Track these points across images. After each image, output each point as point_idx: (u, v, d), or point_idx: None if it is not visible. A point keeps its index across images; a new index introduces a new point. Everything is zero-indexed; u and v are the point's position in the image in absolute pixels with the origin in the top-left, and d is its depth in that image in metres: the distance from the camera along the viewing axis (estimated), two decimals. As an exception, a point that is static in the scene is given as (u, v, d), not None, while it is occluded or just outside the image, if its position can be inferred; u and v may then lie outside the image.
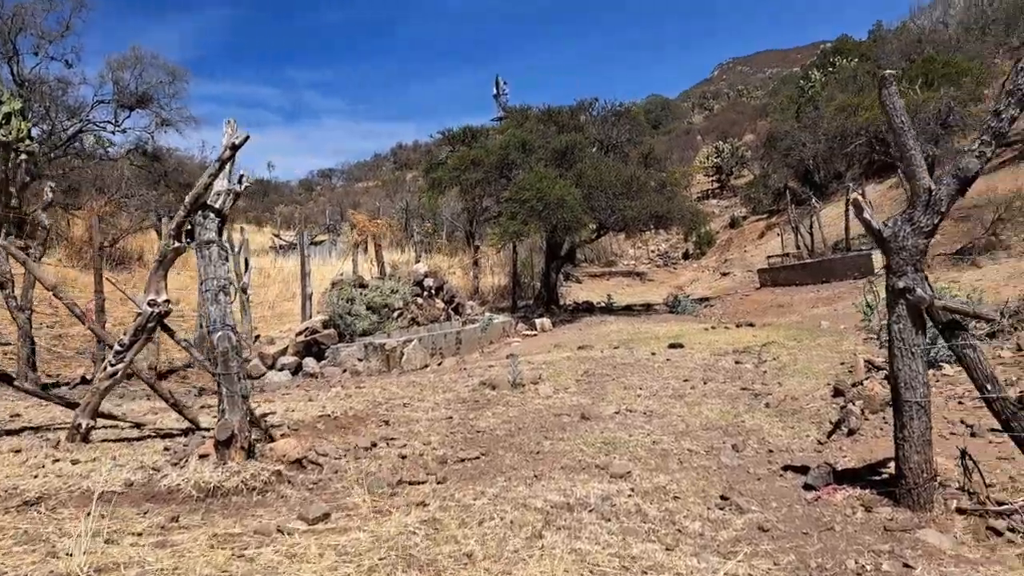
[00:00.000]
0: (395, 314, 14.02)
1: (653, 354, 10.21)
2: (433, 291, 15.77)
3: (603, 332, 15.08)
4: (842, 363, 8.38)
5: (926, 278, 3.86)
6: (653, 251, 44.34)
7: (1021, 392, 5.72)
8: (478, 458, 5.24)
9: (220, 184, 5.02)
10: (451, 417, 6.45)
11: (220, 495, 4.27)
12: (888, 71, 3.80)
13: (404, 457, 5.23)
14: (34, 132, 22.28)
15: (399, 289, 13.92)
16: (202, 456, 4.73)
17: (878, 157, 26.49)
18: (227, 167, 5.01)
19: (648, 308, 21.81)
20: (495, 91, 45.39)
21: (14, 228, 21.17)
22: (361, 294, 12.83)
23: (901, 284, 3.80)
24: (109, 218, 20.62)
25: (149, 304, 5.39)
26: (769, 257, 25.65)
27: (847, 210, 22.29)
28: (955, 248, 17.90)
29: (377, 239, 15.94)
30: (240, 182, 5.28)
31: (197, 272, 5.03)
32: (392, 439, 5.68)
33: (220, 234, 5.04)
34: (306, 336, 11.85)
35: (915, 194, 3.80)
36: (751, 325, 15.00)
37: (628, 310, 21.14)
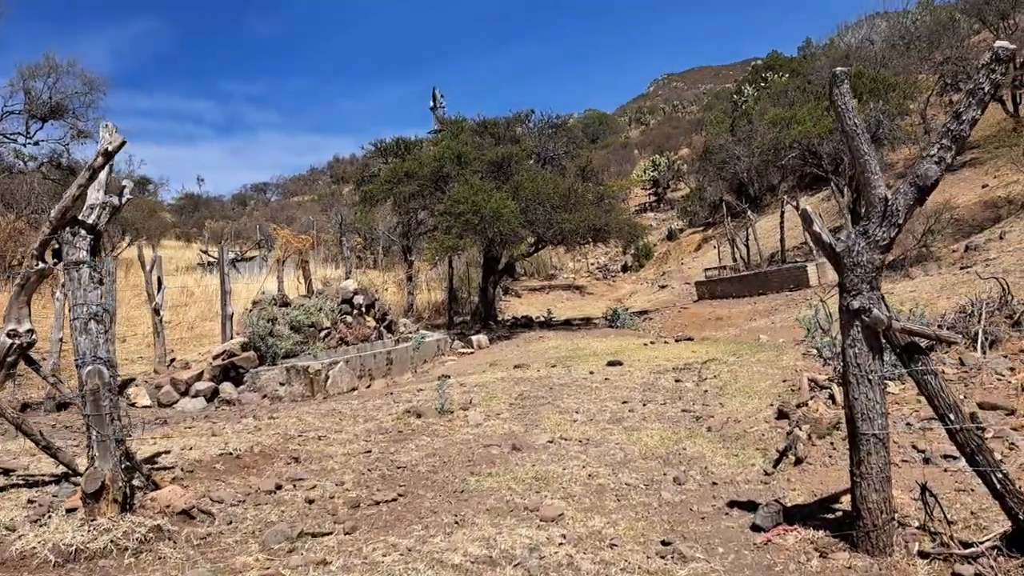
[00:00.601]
0: (322, 334, 13.35)
1: (591, 373, 9.79)
2: (364, 308, 15.13)
3: (541, 349, 14.65)
4: (784, 380, 8.07)
5: (882, 297, 3.49)
6: (592, 264, 44.28)
7: (972, 412, 5.44)
8: (395, 500, 4.69)
9: (94, 196, 4.40)
10: (370, 451, 5.89)
11: (84, 559, 3.64)
12: (839, 68, 3.42)
13: (311, 501, 4.66)
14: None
15: (325, 307, 13.26)
16: (69, 510, 4.09)
17: (810, 170, 26.80)
18: (101, 176, 4.39)
19: (588, 322, 21.49)
20: (432, 103, 44.76)
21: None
22: (284, 313, 12.13)
23: (856, 304, 3.41)
24: (18, 235, 19.44)
25: (9, 335, 4.71)
26: (707, 270, 25.66)
27: (782, 222, 22.42)
28: (887, 259, 18.03)
29: (305, 255, 15.23)
30: (121, 194, 4.66)
31: (67, 297, 4.38)
32: (300, 479, 5.10)
33: (94, 253, 4.41)
34: (223, 360, 11.11)
35: (870, 204, 3.42)
36: (690, 339, 14.76)
37: (567, 325, 20.78)
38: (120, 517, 3.95)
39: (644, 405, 7.47)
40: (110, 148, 4.20)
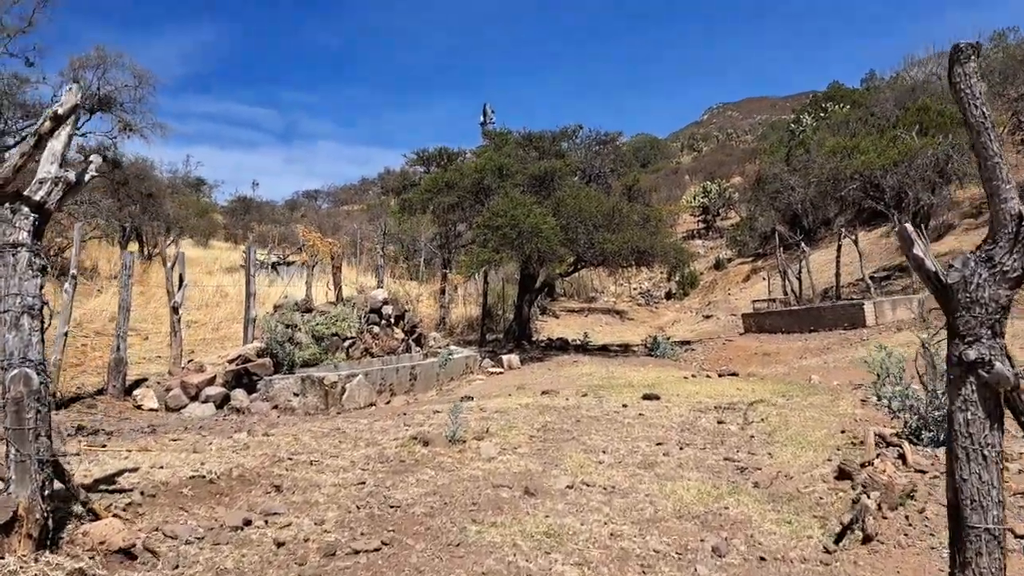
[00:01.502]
0: (346, 344, 12.71)
1: (625, 406, 8.94)
2: (392, 320, 14.48)
3: (574, 374, 13.83)
4: (842, 431, 7.16)
5: (1005, 348, 2.65)
6: (635, 289, 43.27)
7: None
8: (378, 550, 3.94)
9: (47, 169, 3.75)
10: (364, 483, 5.15)
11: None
12: (963, 42, 2.60)
13: (281, 544, 3.94)
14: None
15: (351, 316, 12.62)
16: (-20, 542, 3.42)
17: (870, 204, 25.62)
18: (55, 146, 3.75)
19: (626, 349, 20.60)
20: (482, 119, 44.47)
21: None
22: (305, 320, 11.52)
23: (972, 355, 2.58)
24: (55, 225, 19.24)
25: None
26: (755, 301, 24.58)
27: (838, 256, 21.30)
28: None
29: (336, 260, 14.65)
30: (84, 170, 4.01)
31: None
32: (275, 514, 4.38)
33: (39, 236, 3.76)
34: (237, 365, 10.51)
35: (997, 223, 2.59)
36: (734, 375, 13.80)
37: (604, 350, 19.91)
38: (35, 556, 3.26)
39: (681, 449, 6.62)
40: (60, 111, 3.57)
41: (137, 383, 10.90)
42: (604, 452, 6.41)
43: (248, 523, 4.20)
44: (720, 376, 13.36)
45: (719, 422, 7.96)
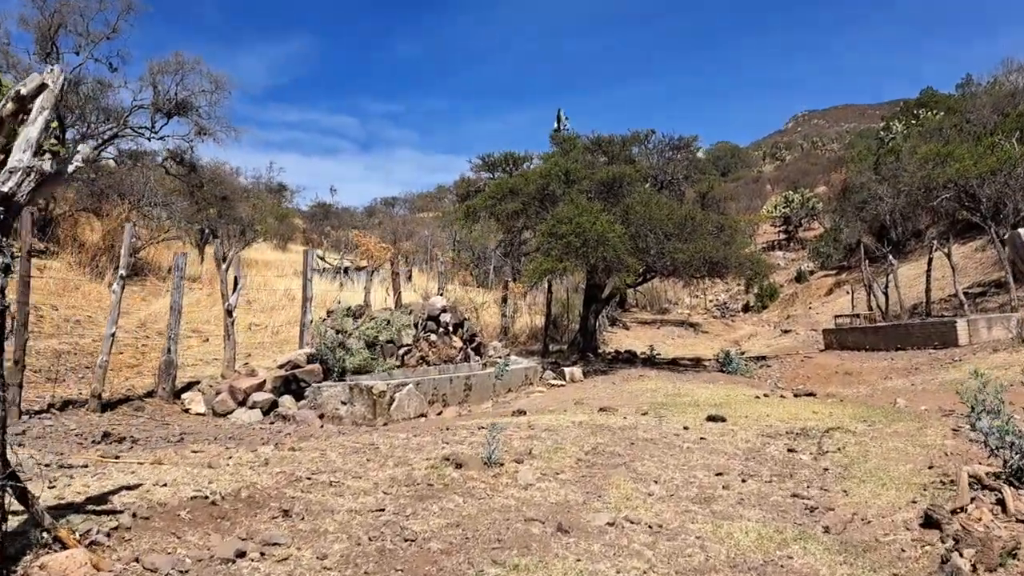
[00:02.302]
0: (401, 351, 12.37)
1: (685, 428, 8.26)
2: (451, 327, 14.09)
3: (637, 390, 13.15)
4: (930, 466, 6.34)
5: None
6: (711, 301, 42.07)
7: None
8: (377, 595, 3.46)
9: (17, 158, 3.38)
10: (383, 509, 4.68)
11: None
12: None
13: (270, 582, 3.49)
14: (69, 134, 21.57)
15: (399, 323, 12.28)
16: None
17: (964, 215, 24.05)
18: (30, 133, 3.38)
19: (696, 363, 19.73)
20: (556, 126, 43.95)
21: (37, 230, 20.33)
22: (357, 326, 11.21)
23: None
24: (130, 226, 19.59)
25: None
26: (837, 316, 23.32)
27: (929, 270, 19.98)
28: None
29: (394, 266, 14.36)
30: (68, 161, 3.65)
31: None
32: (275, 544, 3.94)
33: (5, 232, 3.40)
34: (286, 370, 10.26)
35: None
36: (812, 395, 12.90)
37: (673, 364, 19.09)
38: (-24, 593, 2.89)
39: (743, 481, 5.93)
40: (23, 91, 3.20)
41: (190, 385, 10.77)
42: (655, 482, 5.79)
43: (242, 555, 3.77)
44: (796, 396, 12.49)
45: (790, 450, 7.22)
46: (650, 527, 4.66)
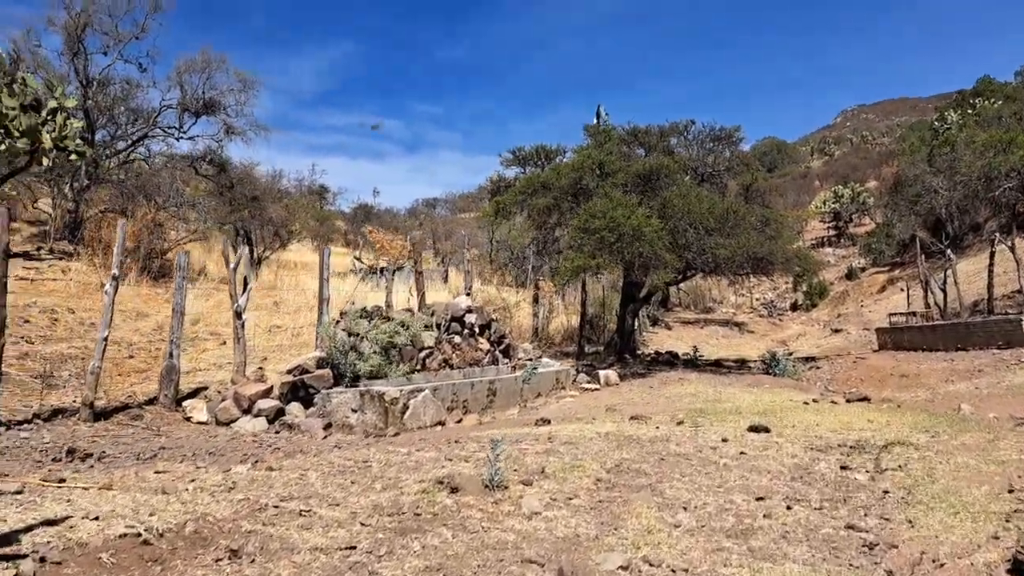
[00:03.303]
0: (422, 354, 11.67)
1: (724, 441, 7.39)
2: (477, 329, 13.35)
3: (675, 395, 12.28)
4: (1010, 489, 5.41)
5: None
6: (757, 299, 40.74)
7: None
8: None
9: None
10: (353, 547, 3.94)
11: None
12: None
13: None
14: (99, 135, 21.38)
15: (427, 324, 11.58)
16: None
17: (1029, 206, 22.61)
18: None
19: (741, 365, 18.71)
20: (596, 121, 42.90)
21: (68, 232, 20.17)
22: (370, 327, 10.53)
23: None
24: (156, 228, 19.30)
25: None
26: (892, 315, 22.02)
27: (991, 265, 18.66)
28: None
29: (418, 265, 13.68)
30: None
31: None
32: (208, 596, 3.23)
33: None
34: (295, 376, 9.62)
35: None
36: (866, 400, 11.87)
37: (716, 366, 18.11)
38: None
39: (789, 507, 5.07)
40: None
41: (197, 391, 10.23)
42: (684, 509, 4.96)
43: (162, 610, 3.07)
44: (848, 402, 11.48)
45: (843, 468, 6.31)
46: (672, 572, 3.85)
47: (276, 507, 4.45)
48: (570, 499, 5.02)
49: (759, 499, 5.25)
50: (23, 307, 12.81)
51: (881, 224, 39.66)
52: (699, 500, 5.17)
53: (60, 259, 18.11)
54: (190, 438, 7.38)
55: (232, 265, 10.48)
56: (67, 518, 3.96)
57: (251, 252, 27.85)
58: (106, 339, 8.34)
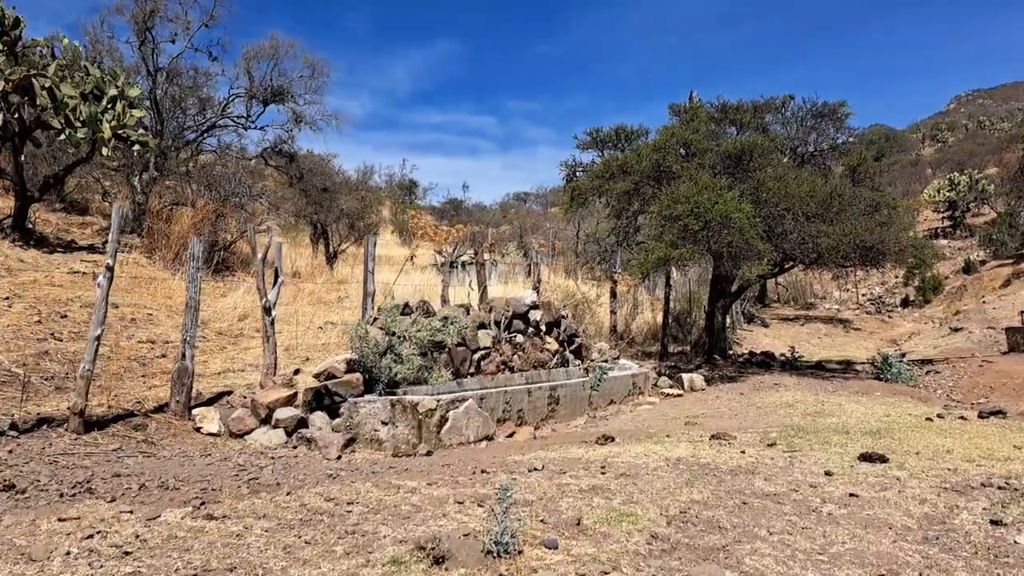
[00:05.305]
0: (476, 356, 10.38)
1: (828, 474, 5.78)
2: (542, 327, 11.97)
3: (768, 404, 10.58)
4: None
5: None
6: (864, 295, 37.85)
7: None
8: None
9: None
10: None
11: None
12: None
13: None
14: (169, 126, 21.01)
15: (482, 321, 10.28)
16: None
17: None
18: None
19: (847, 368, 16.67)
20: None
21: (135, 223, 19.82)
22: (410, 325, 9.27)
23: None
24: (218, 219, 18.72)
25: None
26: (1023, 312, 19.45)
27: None
28: None
29: (480, 255, 12.38)
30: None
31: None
32: None
33: None
34: (321, 381, 8.47)
35: None
36: (1000, 414, 9.90)
37: (818, 369, 16.14)
38: None
39: (925, 592, 3.51)
40: None
41: (220, 396, 9.21)
42: (771, 593, 3.47)
43: None
44: (981, 417, 9.54)
45: (994, 522, 4.63)
46: None
47: (189, 582, 3.19)
48: (607, 573, 3.58)
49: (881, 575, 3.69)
50: (66, 301, 12.20)
51: (1003, 213, 36.12)
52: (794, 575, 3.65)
53: (123, 252, 17.67)
54: (173, 459, 6.26)
55: (259, 256, 9.42)
56: None
57: (327, 246, 27.29)
58: (98, 338, 7.34)
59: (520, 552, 3.66)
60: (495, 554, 3.56)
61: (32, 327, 10.84)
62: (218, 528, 3.90)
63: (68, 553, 3.41)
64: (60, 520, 3.92)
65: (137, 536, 3.71)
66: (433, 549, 3.49)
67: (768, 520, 4.51)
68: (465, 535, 3.72)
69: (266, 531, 3.89)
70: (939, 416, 9.31)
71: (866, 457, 6.32)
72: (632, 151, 15.44)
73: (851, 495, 5.15)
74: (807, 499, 5.04)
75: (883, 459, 6.27)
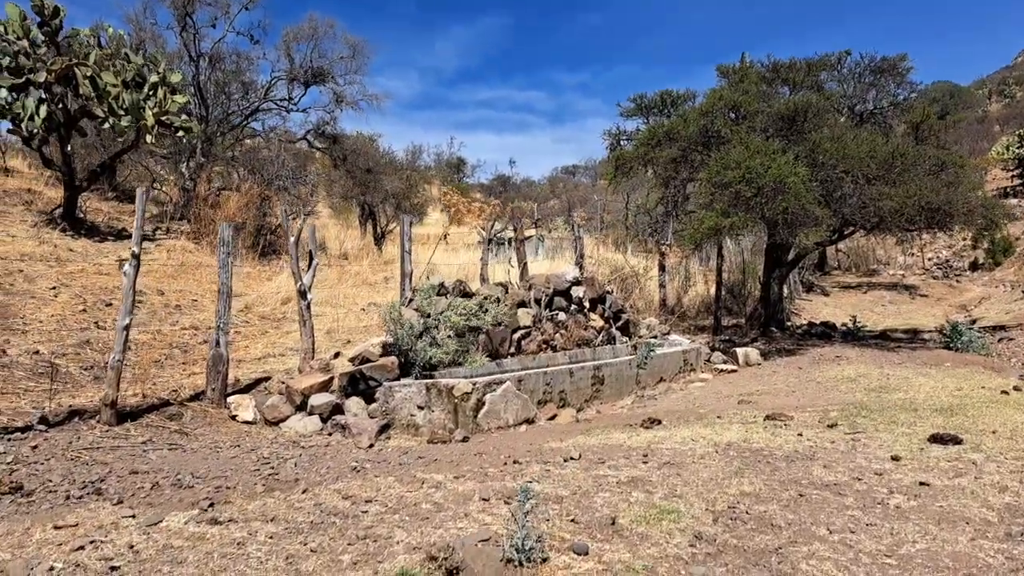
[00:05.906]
0: (516, 335, 10.02)
1: (895, 459, 5.27)
2: (586, 304, 11.53)
3: (829, 379, 9.98)
4: None
5: None
6: (929, 259, 36.32)
7: None
8: None
9: None
10: None
11: None
12: None
13: None
14: (213, 112, 21.02)
15: (521, 299, 9.89)
16: None
17: None
18: None
19: (913, 337, 15.83)
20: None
21: (183, 208, 19.90)
22: (447, 306, 8.93)
23: None
24: (262, 203, 18.66)
25: None
26: (1104, 274, 18.25)
27: None
28: None
29: (520, 232, 11.97)
30: None
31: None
32: None
33: None
34: (356, 365, 8.21)
35: None
36: (1086, 385, 9.14)
37: (883, 339, 15.35)
38: None
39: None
40: None
41: (259, 381, 9.05)
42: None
43: None
44: (1063, 390, 8.82)
45: (1089, 514, 4.10)
46: None
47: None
48: (641, 585, 3.18)
49: (960, 584, 3.22)
50: (112, 290, 12.19)
51: (1081, 169, 34.16)
52: (856, 586, 3.20)
53: (172, 239, 17.74)
54: (199, 452, 6.05)
55: (293, 238, 9.18)
56: None
57: (374, 227, 27.17)
58: (127, 328, 7.18)
59: (544, 560, 3.29)
60: (516, 563, 3.19)
61: (76, 316, 10.84)
62: (220, 535, 3.62)
63: (51, 569, 3.16)
64: (56, 528, 3.69)
65: (131, 547, 3.45)
66: (446, 560, 3.14)
67: (828, 515, 4.05)
68: (484, 541, 3.36)
69: (271, 537, 3.59)
70: (1016, 389, 8.63)
71: (937, 438, 5.77)
72: (678, 116, 14.78)
73: (921, 483, 4.65)
74: (872, 489, 4.55)
75: (956, 440, 5.72)
